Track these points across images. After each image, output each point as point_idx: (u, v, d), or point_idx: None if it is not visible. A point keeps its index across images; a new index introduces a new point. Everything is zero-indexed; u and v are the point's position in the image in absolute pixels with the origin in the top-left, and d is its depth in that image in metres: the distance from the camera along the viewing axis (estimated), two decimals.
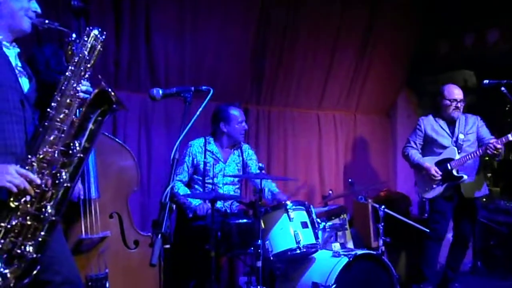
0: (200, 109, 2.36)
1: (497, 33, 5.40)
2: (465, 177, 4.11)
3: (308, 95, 5.18)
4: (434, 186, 4.20)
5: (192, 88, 2.46)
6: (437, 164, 4.21)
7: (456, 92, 4.24)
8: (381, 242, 3.77)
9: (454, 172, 4.14)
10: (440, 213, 4.24)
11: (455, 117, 4.25)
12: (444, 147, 4.24)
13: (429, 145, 4.35)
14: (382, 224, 3.81)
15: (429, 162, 4.24)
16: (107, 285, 2.81)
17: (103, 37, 2.21)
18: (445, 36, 5.89)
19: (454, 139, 4.23)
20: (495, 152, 3.91)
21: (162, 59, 4.16)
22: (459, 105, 4.23)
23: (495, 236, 5.22)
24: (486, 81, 3.81)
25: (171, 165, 2.21)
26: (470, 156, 4.08)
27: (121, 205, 2.99)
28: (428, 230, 4.00)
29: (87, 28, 2.19)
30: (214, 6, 4.31)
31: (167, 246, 2.08)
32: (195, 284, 3.60)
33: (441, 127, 4.29)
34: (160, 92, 2.44)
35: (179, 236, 3.76)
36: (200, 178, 3.79)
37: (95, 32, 2.19)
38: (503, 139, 3.89)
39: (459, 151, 4.19)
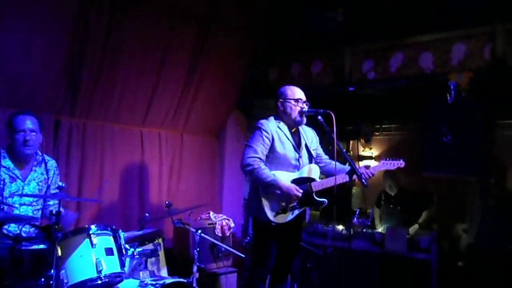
0: None
1: (320, 65, 5.73)
2: (326, 202, 3.63)
3: (131, 111, 4.86)
4: (289, 209, 3.53)
5: None
6: (294, 182, 3.55)
7: (300, 91, 3.70)
8: (195, 268, 3.59)
9: (315, 196, 3.60)
10: (275, 243, 3.58)
11: (302, 122, 3.68)
12: (291, 163, 3.61)
13: (273, 158, 3.60)
14: (197, 249, 3.64)
15: (285, 180, 3.51)
16: None
17: None
18: (275, 63, 6.12)
19: (301, 153, 3.66)
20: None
21: None
22: (305, 105, 3.65)
23: (311, 258, 5.39)
24: (305, 109, 3.63)
25: None
26: (334, 181, 3.44)
27: None
28: (243, 255, 3.89)
29: None
30: (25, 3, 3.79)
31: None
32: None
33: (286, 136, 3.64)
34: None
35: None
36: None
37: None
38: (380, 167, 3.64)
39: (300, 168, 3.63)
